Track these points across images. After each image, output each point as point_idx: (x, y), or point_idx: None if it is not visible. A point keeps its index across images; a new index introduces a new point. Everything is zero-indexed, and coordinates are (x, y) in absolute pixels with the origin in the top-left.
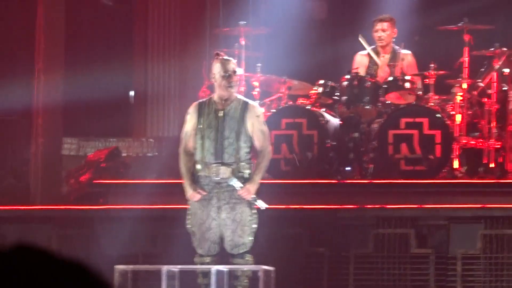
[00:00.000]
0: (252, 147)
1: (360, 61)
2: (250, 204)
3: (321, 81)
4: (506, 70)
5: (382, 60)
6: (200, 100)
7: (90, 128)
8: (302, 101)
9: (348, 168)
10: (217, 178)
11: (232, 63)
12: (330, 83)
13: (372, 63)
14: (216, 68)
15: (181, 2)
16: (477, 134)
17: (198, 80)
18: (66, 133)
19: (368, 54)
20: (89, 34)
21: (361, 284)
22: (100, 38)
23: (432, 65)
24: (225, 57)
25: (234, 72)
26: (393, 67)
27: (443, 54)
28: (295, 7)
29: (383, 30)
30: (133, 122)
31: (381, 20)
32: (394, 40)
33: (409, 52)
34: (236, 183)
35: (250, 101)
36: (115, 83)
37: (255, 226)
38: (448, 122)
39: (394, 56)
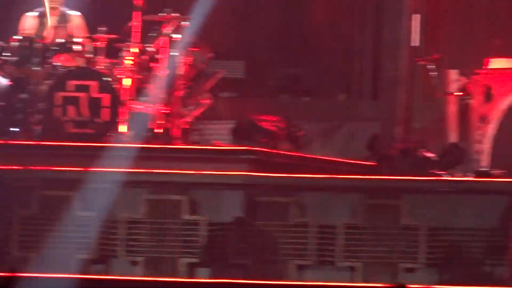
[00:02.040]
0: None
1: (29, 22)
2: None
3: None
4: (176, 36)
5: (51, 22)
6: None
7: None
8: None
9: (15, 129)
10: None
11: None
12: None
13: (41, 24)
14: None
15: None
16: (145, 98)
17: None
18: None
19: (37, 16)
20: None
21: (27, 246)
22: None
23: (103, 28)
24: None
25: None
26: (62, 28)
27: (114, 18)
28: None
29: None
30: None
31: None
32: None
33: (78, 13)
34: None
35: None
36: None
37: None
38: (117, 86)
39: (63, 18)
